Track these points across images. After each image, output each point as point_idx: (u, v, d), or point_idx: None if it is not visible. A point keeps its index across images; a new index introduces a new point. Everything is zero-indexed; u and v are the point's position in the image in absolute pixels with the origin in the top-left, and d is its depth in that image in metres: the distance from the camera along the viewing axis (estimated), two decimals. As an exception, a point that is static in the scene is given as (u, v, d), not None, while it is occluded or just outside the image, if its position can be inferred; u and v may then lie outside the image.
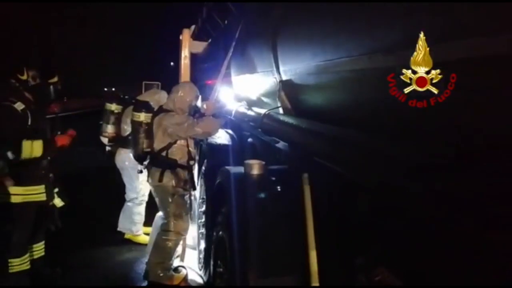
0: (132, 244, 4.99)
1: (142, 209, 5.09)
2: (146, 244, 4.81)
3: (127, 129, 4.54)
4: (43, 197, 3.57)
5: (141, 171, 4.25)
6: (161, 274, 3.79)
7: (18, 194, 3.41)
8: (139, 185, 4.95)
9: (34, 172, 3.52)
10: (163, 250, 3.81)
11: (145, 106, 4.01)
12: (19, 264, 3.54)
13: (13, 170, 3.35)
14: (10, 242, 3.53)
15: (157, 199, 3.98)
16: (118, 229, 5.07)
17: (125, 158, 4.81)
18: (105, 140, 4.97)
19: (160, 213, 4.13)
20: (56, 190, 3.76)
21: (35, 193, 3.50)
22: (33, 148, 3.37)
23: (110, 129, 4.81)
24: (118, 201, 5.15)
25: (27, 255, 3.62)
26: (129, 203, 5.02)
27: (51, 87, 3.74)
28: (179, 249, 4.16)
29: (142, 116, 3.86)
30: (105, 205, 5.32)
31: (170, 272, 3.88)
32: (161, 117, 3.80)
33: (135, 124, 3.90)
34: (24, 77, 3.49)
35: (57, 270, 4.02)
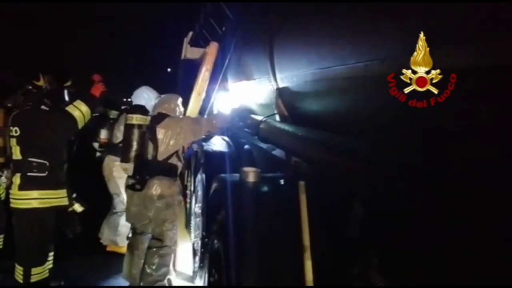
0: (118, 256, 4.81)
1: None
2: None
3: (119, 136, 4.30)
4: (65, 202, 3.44)
5: (140, 189, 3.59)
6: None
7: (34, 198, 3.25)
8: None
9: (58, 175, 3.42)
10: (156, 264, 3.68)
11: (140, 109, 3.61)
12: (40, 272, 3.35)
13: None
14: (29, 250, 3.30)
15: (152, 211, 3.61)
16: (102, 240, 4.90)
17: (113, 167, 4.56)
18: (96, 145, 4.84)
19: (143, 228, 3.83)
20: (74, 195, 3.61)
21: (56, 197, 3.36)
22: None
23: (103, 134, 4.67)
24: (103, 210, 4.96)
25: (48, 263, 3.45)
26: (116, 214, 4.82)
27: (66, 91, 3.67)
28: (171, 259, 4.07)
29: (148, 120, 3.50)
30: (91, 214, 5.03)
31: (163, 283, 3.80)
32: (171, 122, 3.62)
33: (131, 128, 3.40)
34: (40, 83, 3.44)
35: (61, 283, 3.91)
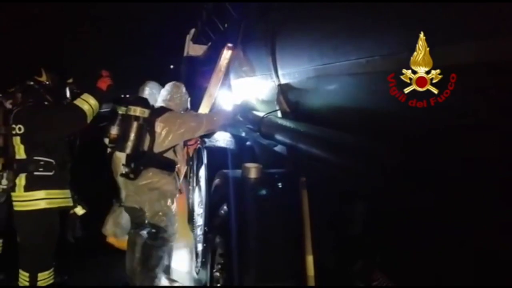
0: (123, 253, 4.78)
1: None
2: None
3: None
4: (70, 202, 3.32)
5: (133, 178, 3.56)
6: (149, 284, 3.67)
7: (41, 198, 3.10)
8: None
9: (64, 175, 3.31)
10: (151, 259, 3.68)
11: (142, 101, 3.63)
12: (46, 278, 3.20)
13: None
14: (35, 254, 3.18)
15: (146, 203, 3.62)
16: (103, 231, 4.91)
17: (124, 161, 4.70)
18: (106, 141, 4.87)
19: (139, 220, 3.81)
20: (75, 196, 3.47)
21: (62, 197, 3.24)
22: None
23: (113, 130, 4.69)
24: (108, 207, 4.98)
25: (53, 268, 3.27)
26: (122, 207, 4.90)
27: (67, 88, 3.57)
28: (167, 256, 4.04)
29: (147, 113, 3.49)
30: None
31: (158, 280, 3.77)
32: (171, 118, 3.57)
33: (130, 119, 3.46)
34: (43, 78, 3.32)
35: (64, 278, 3.85)
